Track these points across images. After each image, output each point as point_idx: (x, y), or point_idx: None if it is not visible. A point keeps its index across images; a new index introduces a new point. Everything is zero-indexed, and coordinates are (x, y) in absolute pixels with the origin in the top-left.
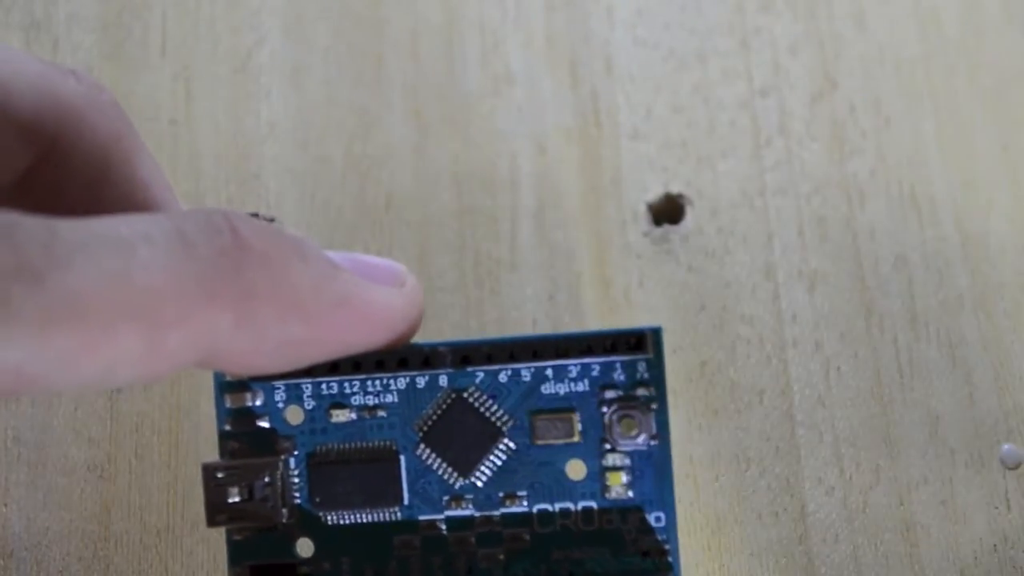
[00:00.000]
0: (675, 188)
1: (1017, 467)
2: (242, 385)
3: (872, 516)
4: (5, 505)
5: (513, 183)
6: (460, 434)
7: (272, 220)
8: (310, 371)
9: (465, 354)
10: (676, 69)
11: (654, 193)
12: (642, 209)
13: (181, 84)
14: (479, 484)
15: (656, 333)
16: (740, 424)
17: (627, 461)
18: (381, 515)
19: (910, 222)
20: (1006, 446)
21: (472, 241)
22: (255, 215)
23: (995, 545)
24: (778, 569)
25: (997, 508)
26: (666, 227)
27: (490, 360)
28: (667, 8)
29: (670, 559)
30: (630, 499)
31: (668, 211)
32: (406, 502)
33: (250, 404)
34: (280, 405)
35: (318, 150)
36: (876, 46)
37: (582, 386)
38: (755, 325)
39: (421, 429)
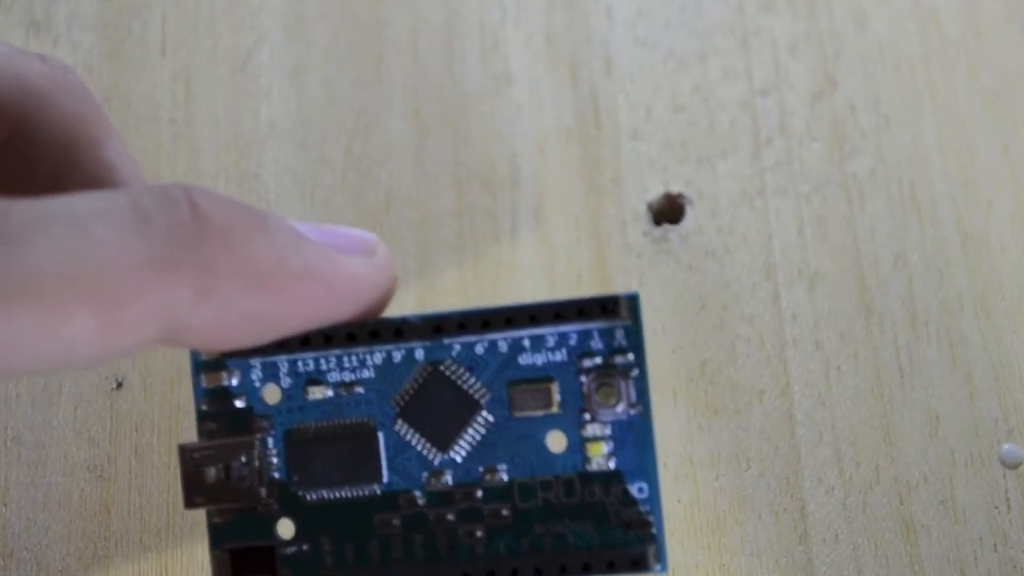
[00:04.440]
0: (675, 188)
1: (1017, 467)
2: (218, 364)
3: (872, 516)
4: (5, 505)
5: (513, 183)
6: (438, 408)
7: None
8: (282, 345)
9: (437, 324)
10: (676, 69)
11: (654, 193)
12: (642, 209)
13: (181, 84)
14: (458, 459)
15: (633, 299)
16: (740, 424)
17: (607, 431)
18: (360, 493)
19: (910, 222)
20: (1006, 446)
21: (472, 241)
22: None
23: (995, 545)
24: (778, 569)
25: (997, 508)
26: (666, 227)
27: (463, 329)
28: (667, 8)
29: (654, 531)
30: (611, 470)
31: (668, 211)
32: (385, 479)
33: (226, 383)
34: (257, 384)
35: (318, 150)
36: (876, 46)
37: (560, 355)
38: (755, 325)
39: (398, 404)
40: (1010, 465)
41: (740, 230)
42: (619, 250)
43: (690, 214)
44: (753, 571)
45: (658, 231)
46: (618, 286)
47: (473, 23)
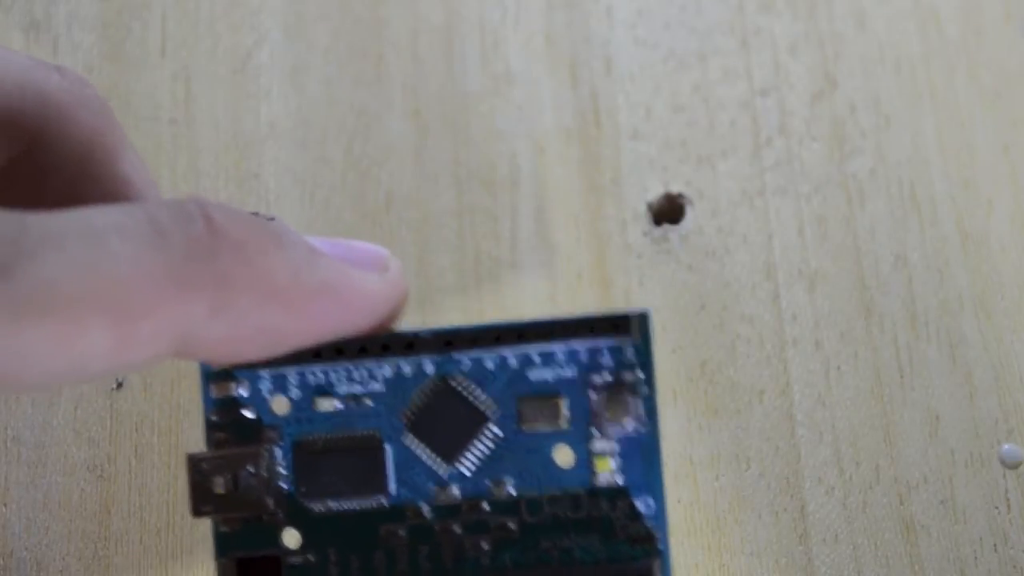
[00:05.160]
0: (675, 188)
1: (1017, 467)
2: (228, 375)
3: (872, 516)
4: (5, 505)
5: (513, 183)
6: (446, 421)
7: (272, 220)
8: (293, 357)
9: (448, 339)
10: (676, 69)
11: (654, 193)
12: (642, 209)
13: (181, 84)
14: (466, 472)
15: (643, 317)
16: (740, 424)
17: (615, 447)
18: (367, 504)
19: (910, 222)
20: (1006, 446)
21: (472, 241)
22: (255, 215)
23: (995, 545)
24: (778, 569)
25: (997, 508)
26: (666, 227)
27: (474, 344)
28: (667, 8)
29: (660, 546)
30: (619, 485)
31: (668, 211)
32: (392, 491)
33: (236, 394)
34: (266, 395)
35: (318, 150)
36: (876, 46)
37: (569, 371)
38: (755, 325)
39: (407, 417)
40: (1010, 465)
41: (740, 230)
42: (619, 250)
43: (690, 214)
44: (753, 571)
45: (658, 231)
46: (618, 286)
47: (473, 23)
